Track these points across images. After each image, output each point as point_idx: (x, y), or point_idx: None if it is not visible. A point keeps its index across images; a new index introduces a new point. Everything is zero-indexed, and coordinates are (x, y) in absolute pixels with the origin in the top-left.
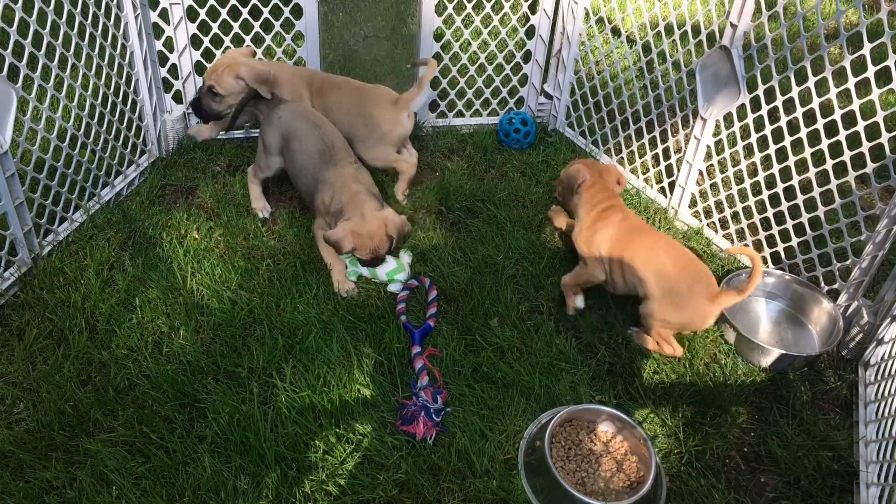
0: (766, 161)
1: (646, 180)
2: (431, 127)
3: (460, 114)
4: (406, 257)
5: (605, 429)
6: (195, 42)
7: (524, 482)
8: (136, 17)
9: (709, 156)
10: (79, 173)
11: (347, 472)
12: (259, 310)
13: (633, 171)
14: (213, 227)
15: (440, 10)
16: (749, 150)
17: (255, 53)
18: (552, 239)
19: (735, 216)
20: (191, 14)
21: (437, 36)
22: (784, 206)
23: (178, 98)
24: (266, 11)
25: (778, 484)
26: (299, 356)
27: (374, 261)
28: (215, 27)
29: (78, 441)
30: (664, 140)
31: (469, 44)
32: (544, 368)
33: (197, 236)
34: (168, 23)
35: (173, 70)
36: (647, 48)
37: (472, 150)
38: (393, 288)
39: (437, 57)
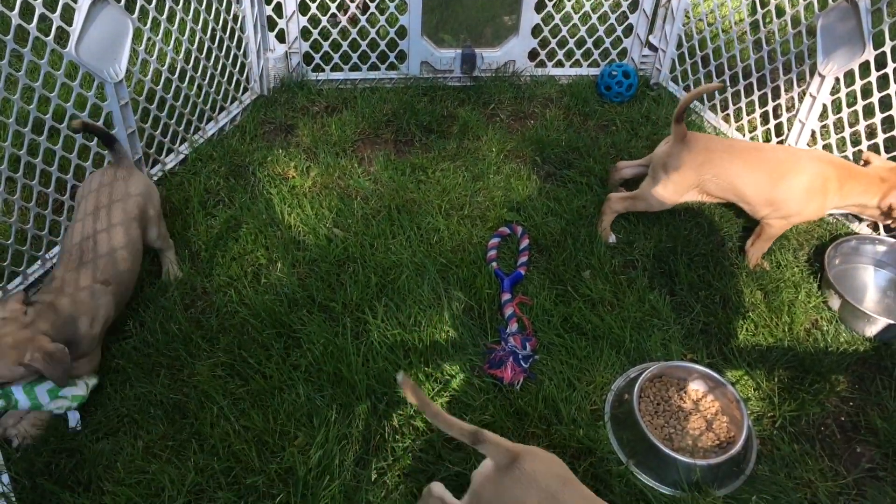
0: (888, 122)
1: (752, 139)
2: (530, 76)
3: (560, 63)
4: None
5: (695, 387)
6: None
7: (610, 434)
8: None
9: (824, 115)
10: (186, 106)
11: None
12: (353, 248)
13: (740, 128)
14: (311, 165)
15: None
16: (869, 111)
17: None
18: None
19: None
20: None
21: None
22: None
23: (281, 37)
24: None
25: (875, 455)
26: (391, 295)
27: None
28: None
29: (182, 360)
30: (775, 97)
31: None
32: (636, 323)
33: (294, 174)
34: None
35: (278, 9)
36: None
37: (571, 101)
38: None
39: (541, 5)
